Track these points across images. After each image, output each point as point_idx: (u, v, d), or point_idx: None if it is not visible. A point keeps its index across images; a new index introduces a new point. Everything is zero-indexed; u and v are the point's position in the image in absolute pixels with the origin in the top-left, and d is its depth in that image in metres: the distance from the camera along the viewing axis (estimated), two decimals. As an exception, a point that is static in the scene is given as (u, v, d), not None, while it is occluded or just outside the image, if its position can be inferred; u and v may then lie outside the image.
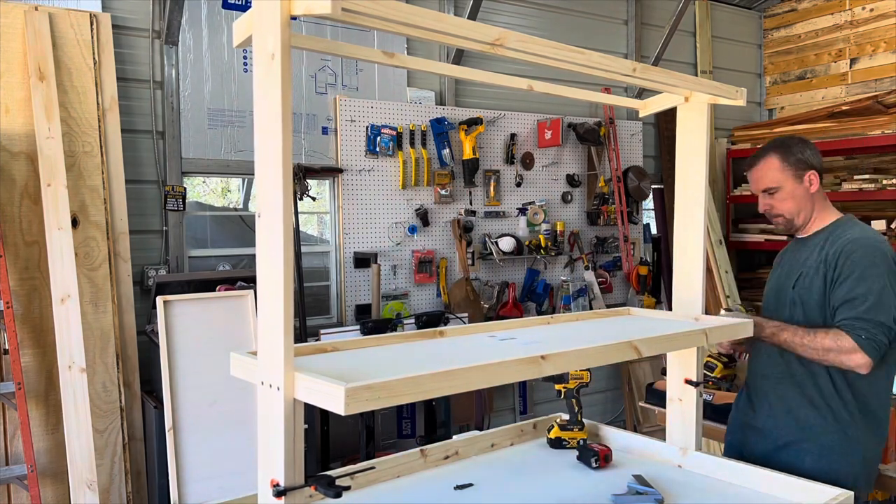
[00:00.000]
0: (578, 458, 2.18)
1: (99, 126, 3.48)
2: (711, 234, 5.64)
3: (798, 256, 2.29)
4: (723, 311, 2.35)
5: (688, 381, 2.18)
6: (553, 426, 2.34)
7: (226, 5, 4.00)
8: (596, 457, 2.12)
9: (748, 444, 2.35)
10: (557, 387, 2.33)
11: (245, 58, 4.05)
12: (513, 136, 4.97)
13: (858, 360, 2.03)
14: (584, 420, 2.34)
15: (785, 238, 2.45)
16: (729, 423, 2.51)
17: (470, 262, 4.72)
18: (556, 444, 2.31)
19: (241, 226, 4.49)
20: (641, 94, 5.26)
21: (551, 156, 5.20)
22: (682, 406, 2.21)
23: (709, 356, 2.92)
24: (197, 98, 3.93)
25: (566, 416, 2.39)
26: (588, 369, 2.29)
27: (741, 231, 6.00)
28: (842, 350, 2.04)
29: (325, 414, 3.70)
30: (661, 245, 5.78)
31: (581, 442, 2.27)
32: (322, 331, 3.84)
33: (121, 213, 3.55)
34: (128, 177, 3.60)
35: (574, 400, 2.33)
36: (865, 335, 2.02)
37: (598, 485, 2.01)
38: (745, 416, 2.40)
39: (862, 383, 2.14)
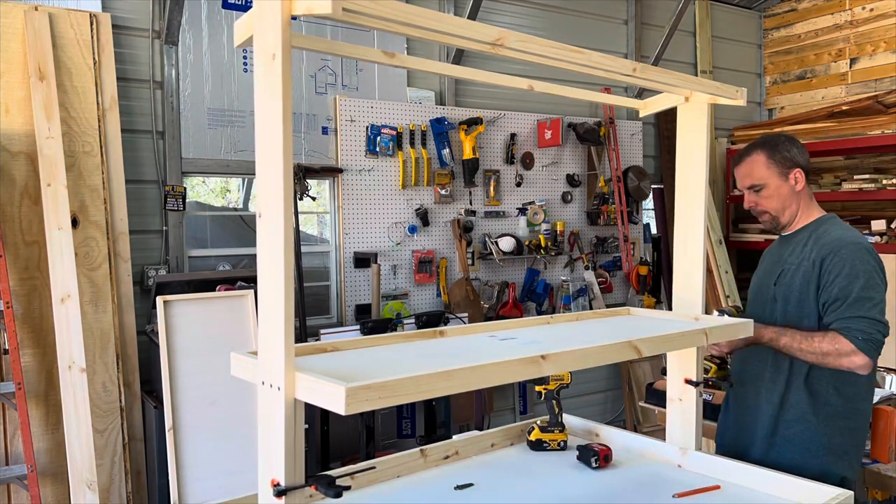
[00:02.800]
0: (578, 458, 2.18)
1: (99, 126, 3.49)
2: (711, 234, 5.64)
3: (781, 253, 2.31)
4: (715, 313, 2.34)
5: (688, 381, 2.18)
6: (533, 428, 2.31)
7: (226, 5, 4.00)
8: (596, 457, 2.12)
9: (741, 443, 2.36)
10: (538, 388, 2.30)
11: (245, 58, 4.05)
12: (513, 135, 4.97)
13: (858, 362, 2.04)
14: (563, 421, 2.32)
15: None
16: (719, 425, 2.53)
17: (470, 261, 4.72)
18: (537, 446, 2.28)
19: (241, 226, 4.49)
20: (641, 94, 5.26)
21: (551, 156, 5.20)
22: (682, 406, 2.21)
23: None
24: (197, 98, 3.93)
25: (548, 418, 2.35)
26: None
27: (741, 231, 6.01)
28: (840, 353, 2.05)
29: (325, 414, 3.70)
30: (661, 245, 5.78)
31: (562, 443, 2.26)
32: (322, 331, 3.84)
33: (121, 213, 3.55)
34: (128, 177, 3.61)
35: (555, 401, 2.31)
36: (862, 336, 2.03)
37: (598, 485, 2.01)
38: (736, 417, 2.40)
39: (849, 377, 2.14)
